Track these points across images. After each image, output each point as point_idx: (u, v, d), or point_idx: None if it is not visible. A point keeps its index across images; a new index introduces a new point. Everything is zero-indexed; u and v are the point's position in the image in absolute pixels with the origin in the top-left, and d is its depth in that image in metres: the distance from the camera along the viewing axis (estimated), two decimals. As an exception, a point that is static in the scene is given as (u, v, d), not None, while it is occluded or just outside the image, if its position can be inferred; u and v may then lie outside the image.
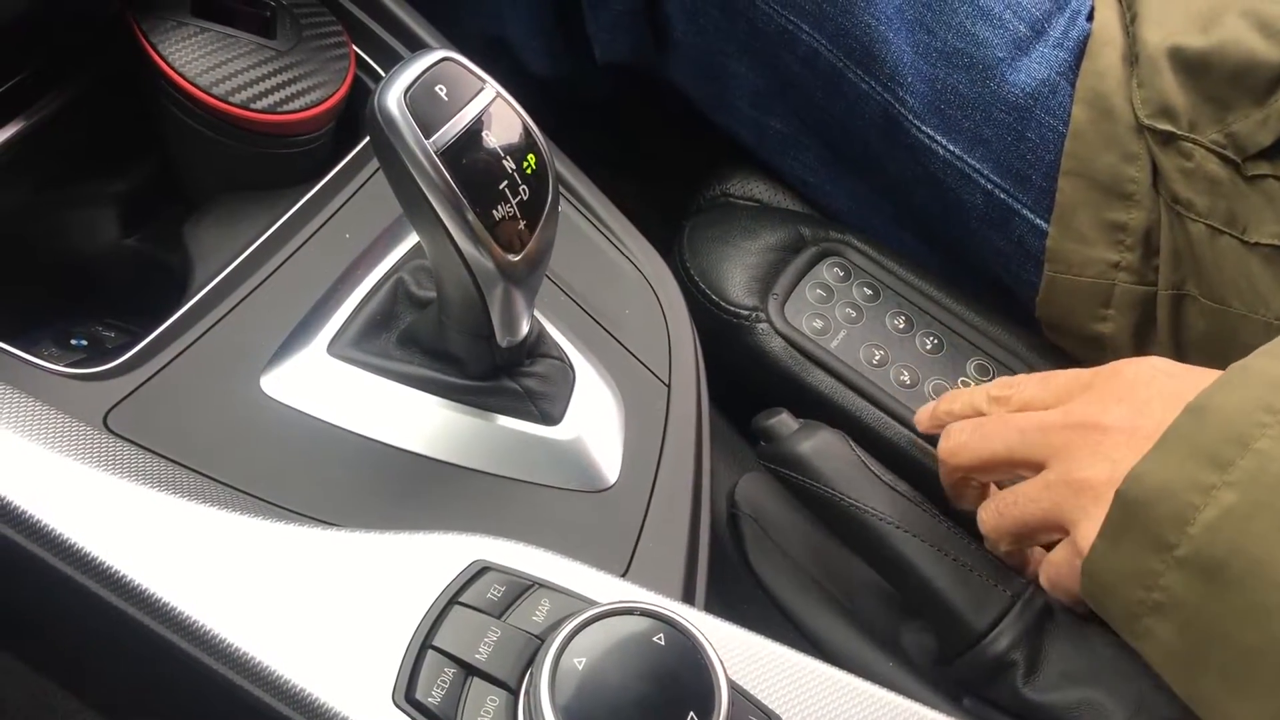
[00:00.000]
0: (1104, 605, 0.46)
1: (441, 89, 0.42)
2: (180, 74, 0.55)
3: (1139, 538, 0.44)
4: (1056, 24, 0.70)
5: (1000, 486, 0.61)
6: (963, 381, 0.72)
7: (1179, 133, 0.65)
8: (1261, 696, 0.41)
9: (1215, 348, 0.67)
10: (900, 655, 0.60)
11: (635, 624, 0.37)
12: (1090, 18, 0.71)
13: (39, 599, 0.44)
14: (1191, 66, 0.65)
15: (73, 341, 0.63)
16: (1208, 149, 0.65)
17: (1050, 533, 0.55)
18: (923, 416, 0.66)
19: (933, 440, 0.63)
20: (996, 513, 0.56)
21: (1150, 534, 0.43)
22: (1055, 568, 0.55)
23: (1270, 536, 0.41)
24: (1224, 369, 0.48)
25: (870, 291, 0.75)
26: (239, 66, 0.57)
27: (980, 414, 0.60)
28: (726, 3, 0.74)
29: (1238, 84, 0.64)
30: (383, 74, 0.61)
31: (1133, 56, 0.68)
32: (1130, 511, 0.44)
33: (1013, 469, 0.57)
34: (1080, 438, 0.52)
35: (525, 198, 0.44)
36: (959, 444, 0.58)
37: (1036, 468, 0.55)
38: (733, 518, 0.67)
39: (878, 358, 0.72)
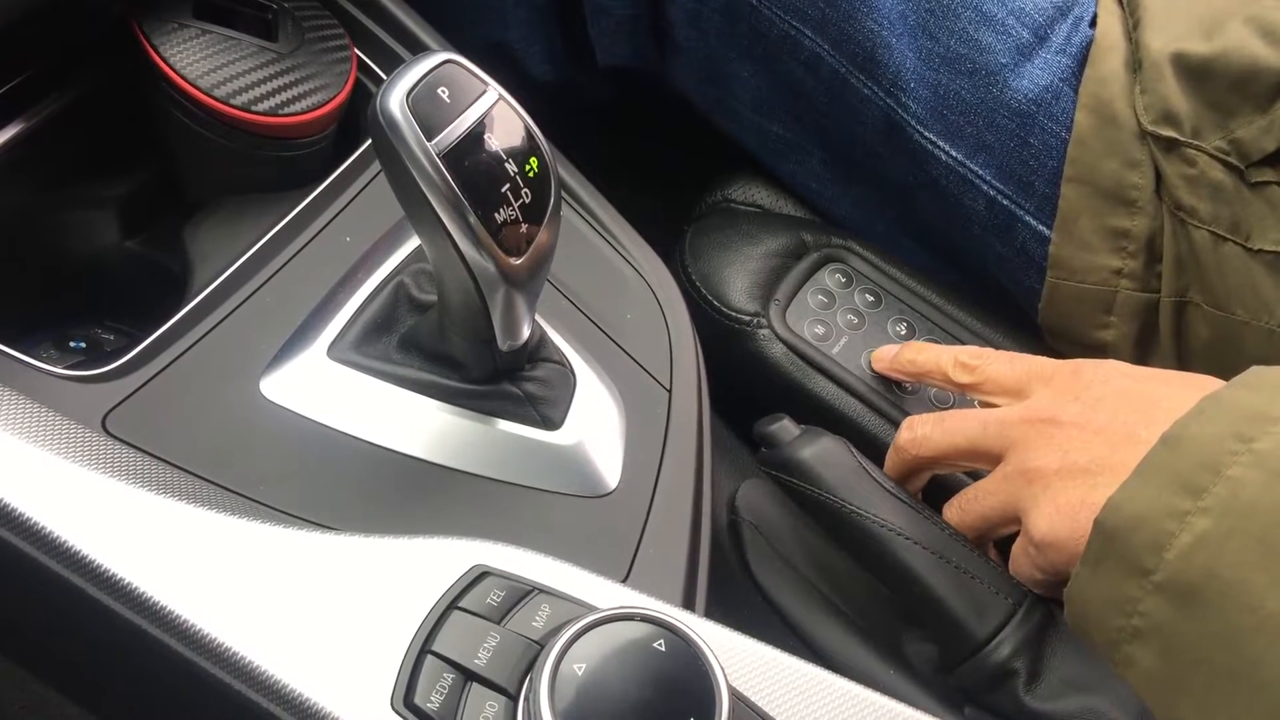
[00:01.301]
0: (1088, 633, 0.47)
1: (444, 91, 0.42)
2: (182, 76, 0.55)
3: (1118, 565, 0.44)
4: (1059, 30, 0.70)
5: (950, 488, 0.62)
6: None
7: (1182, 139, 0.65)
8: (1238, 718, 0.41)
9: (1219, 355, 0.67)
10: (901, 663, 0.60)
11: (636, 630, 0.37)
12: (1093, 24, 0.71)
13: (35, 602, 0.44)
14: (1194, 73, 0.65)
15: (71, 344, 0.63)
16: (1211, 155, 0.64)
17: (1009, 524, 0.57)
18: (882, 355, 0.69)
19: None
20: (959, 510, 0.59)
21: (1128, 561, 0.44)
22: (1015, 560, 0.56)
23: (1243, 560, 0.41)
24: (1226, 377, 0.48)
25: (872, 298, 0.75)
26: (241, 69, 0.56)
27: (945, 375, 0.64)
28: (729, 7, 0.74)
29: (1241, 90, 0.64)
30: (384, 77, 0.61)
31: (1136, 63, 0.68)
32: (1109, 539, 0.45)
33: (974, 461, 0.59)
34: (1035, 431, 0.55)
35: (527, 201, 0.44)
36: (922, 436, 0.60)
37: (995, 460, 0.57)
38: (733, 524, 0.66)
39: (879, 364, 0.72)
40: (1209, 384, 0.52)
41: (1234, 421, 0.44)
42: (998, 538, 0.59)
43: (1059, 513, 0.52)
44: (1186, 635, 0.42)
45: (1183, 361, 0.69)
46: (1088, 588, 0.46)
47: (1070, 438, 0.54)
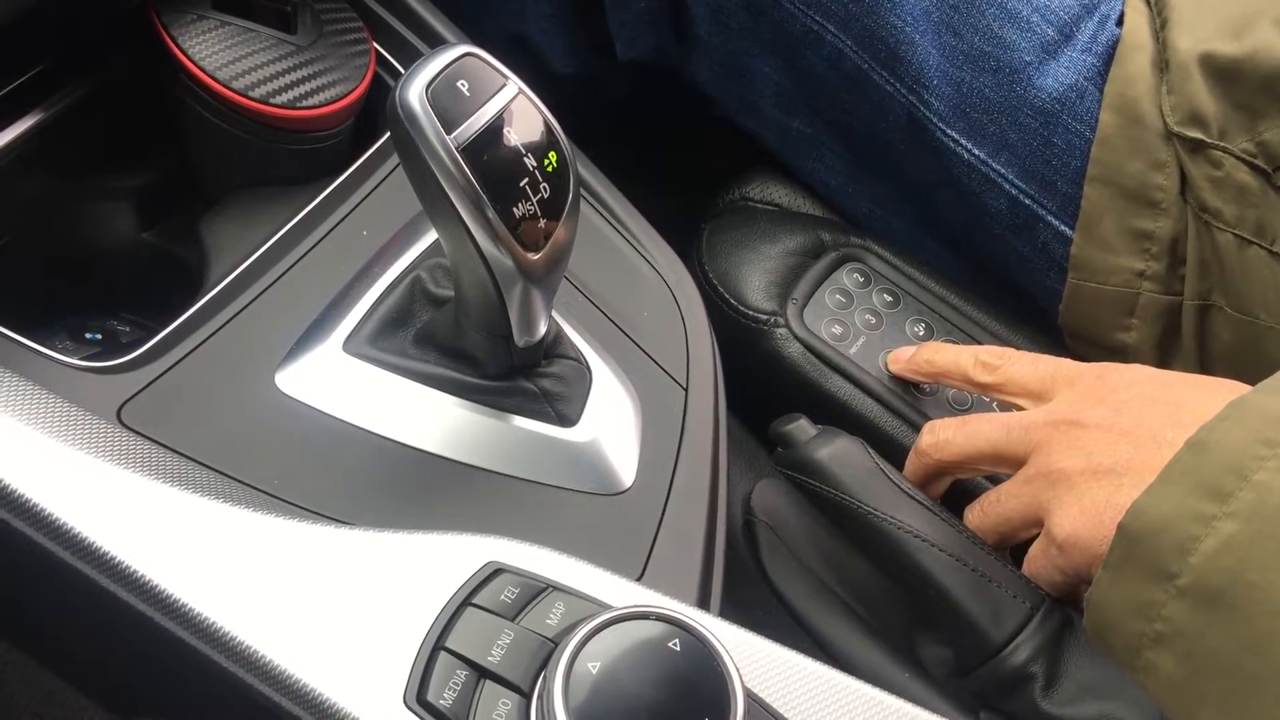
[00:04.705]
0: (1107, 639, 0.47)
1: (463, 84, 0.41)
2: (200, 67, 0.55)
3: (1141, 569, 0.44)
4: (1085, 28, 0.69)
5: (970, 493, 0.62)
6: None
7: (1209, 141, 0.64)
8: None
9: (1241, 360, 0.67)
10: (916, 666, 0.60)
11: (650, 629, 0.37)
12: (1120, 22, 0.70)
13: (48, 593, 0.44)
14: (1223, 73, 0.65)
15: (87, 335, 0.63)
16: (1238, 158, 0.64)
17: (1031, 527, 0.56)
18: (899, 356, 0.69)
19: None
20: (981, 512, 0.58)
21: (1152, 565, 0.44)
22: (1033, 560, 0.56)
23: (1269, 565, 0.41)
24: (1249, 382, 0.48)
25: (890, 298, 0.74)
26: (259, 61, 0.56)
27: (965, 375, 0.63)
28: (751, 2, 0.73)
29: (1270, 92, 0.63)
30: (402, 70, 0.61)
31: (1163, 62, 0.67)
32: (1133, 543, 0.45)
33: (996, 465, 0.59)
34: (1060, 434, 0.55)
35: (546, 196, 0.43)
36: (944, 440, 0.60)
37: (1018, 464, 0.57)
38: (748, 524, 0.66)
39: (897, 365, 0.71)
40: (1235, 388, 0.51)
41: (1260, 426, 0.43)
42: (1018, 542, 0.58)
43: (1083, 513, 0.52)
44: (1210, 641, 0.42)
45: (1205, 365, 0.69)
46: (1109, 592, 0.46)
47: (1095, 440, 0.53)
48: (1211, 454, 0.44)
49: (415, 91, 0.40)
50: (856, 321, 0.73)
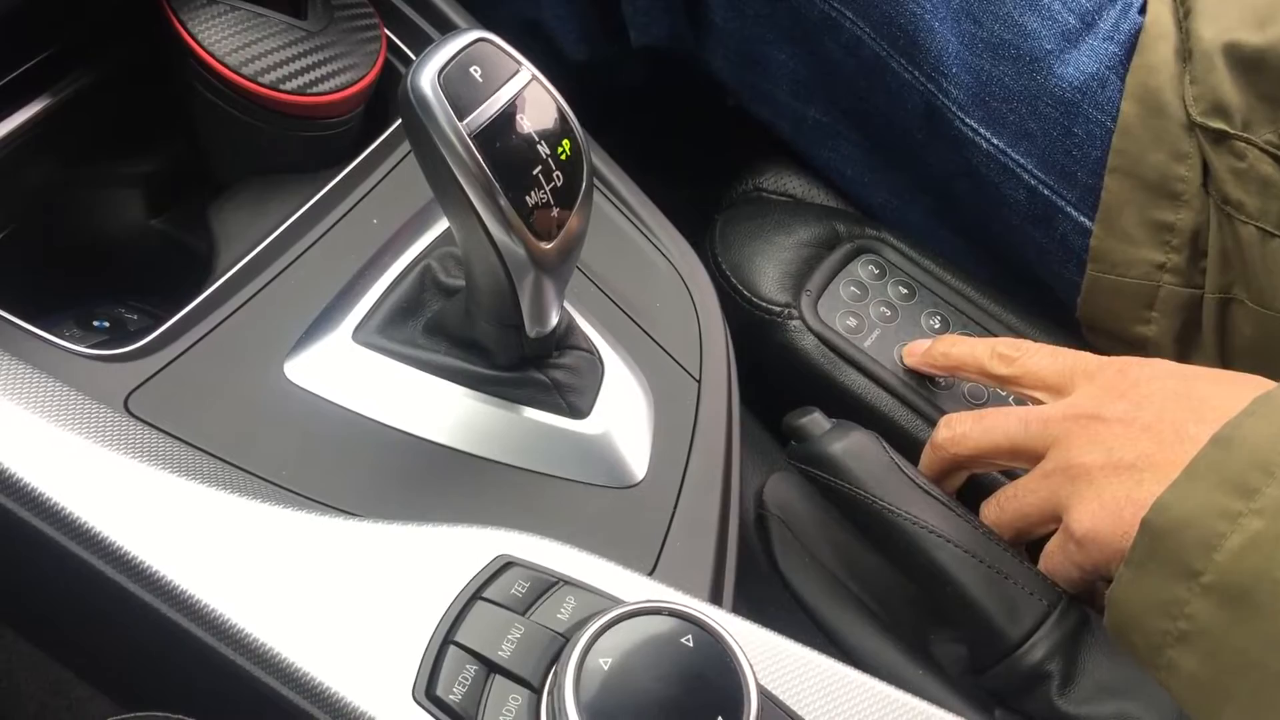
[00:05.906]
0: (1129, 637, 0.46)
1: (476, 70, 0.41)
2: (209, 53, 0.55)
3: (1165, 565, 0.44)
4: (1107, 16, 0.69)
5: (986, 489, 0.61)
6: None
7: (1232, 132, 0.64)
8: None
9: (1262, 354, 0.66)
10: (930, 663, 0.59)
11: (663, 624, 0.37)
12: (1143, 11, 0.69)
13: (55, 583, 0.44)
14: (1247, 64, 0.64)
15: (95, 323, 0.63)
16: (1261, 149, 0.63)
17: (1048, 523, 0.56)
18: (914, 350, 0.69)
19: None
20: (998, 507, 0.58)
21: (1177, 561, 0.43)
22: (1051, 557, 0.56)
23: None
24: (1271, 376, 0.47)
25: (905, 290, 0.74)
26: (269, 46, 0.56)
27: (981, 367, 0.63)
28: (768, -12, 0.73)
29: None
30: (414, 57, 0.60)
31: (1186, 52, 0.66)
32: (1157, 539, 0.44)
33: (1014, 459, 0.58)
34: (1079, 428, 0.54)
35: (559, 184, 0.43)
36: (961, 434, 0.59)
37: (1035, 458, 0.56)
38: (760, 518, 0.66)
39: (912, 358, 0.70)
40: (1259, 384, 0.51)
41: None
42: (1035, 538, 0.58)
43: (1103, 508, 0.51)
44: (1235, 639, 0.42)
45: (1225, 359, 0.68)
46: (1131, 589, 0.45)
47: (1116, 434, 0.52)
48: (1238, 450, 0.43)
49: (427, 77, 0.39)
50: (871, 314, 0.72)
